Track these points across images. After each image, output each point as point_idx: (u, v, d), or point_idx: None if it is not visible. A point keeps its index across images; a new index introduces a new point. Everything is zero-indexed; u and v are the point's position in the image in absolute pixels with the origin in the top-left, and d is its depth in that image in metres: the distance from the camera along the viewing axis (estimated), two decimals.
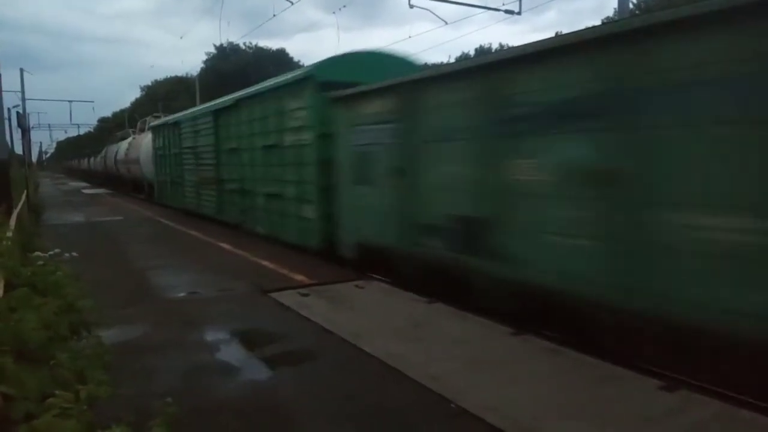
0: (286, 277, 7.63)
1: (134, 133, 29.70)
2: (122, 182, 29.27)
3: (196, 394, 3.87)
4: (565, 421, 3.39)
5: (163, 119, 19.89)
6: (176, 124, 16.84)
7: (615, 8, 7.77)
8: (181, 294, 6.90)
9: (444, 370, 4.17)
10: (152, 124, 21.08)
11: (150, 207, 20.03)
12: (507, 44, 48.27)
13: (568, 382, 3.91)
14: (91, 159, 47.90)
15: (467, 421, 3.44)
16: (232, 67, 43.72)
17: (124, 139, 30.62)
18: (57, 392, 1.70)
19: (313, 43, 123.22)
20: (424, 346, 4.76)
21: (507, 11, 15.49)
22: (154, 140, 19.80)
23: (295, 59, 47.70)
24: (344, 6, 33.30)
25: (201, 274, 8.06)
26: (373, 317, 5.66)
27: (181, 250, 10.35)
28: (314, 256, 8.76)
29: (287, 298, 6.47)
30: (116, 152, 29.50)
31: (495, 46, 51.50)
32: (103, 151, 36.68)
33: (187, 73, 53.12)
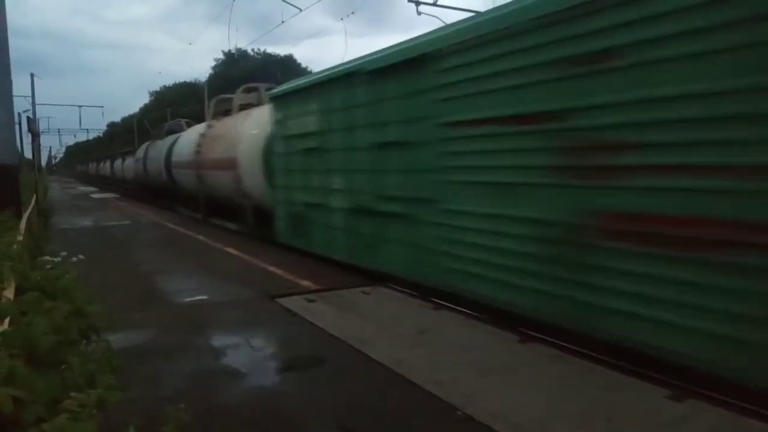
0: (293, 282, 7.64)
1: (187, 124, 20.34)
2: (177, 198, 18.91)
3: (202, 398, 3.88)
4: (572, 428, 3.37)
5: (349, 63, 7.86)
6: (417, 61, 6.19)
7: None
8: (188, 299, 6.92)
9: (450, 377, 4.17)
10: (278, 90, 10.15)
11: (158, 211, 20.03)
12: None
13: (575, 390, 3.90)
14: (116, 161, 34.93)
15: (473, 428, 3.43)
16: (240, 72, 43.97)
17: (173, 132, 20.40)
18: (73, 394, 1.73)
19: (321, 50, 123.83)
20: (431, 352, 4.76)
21: None
22: (277, 123, 9.95)
23: (303, 65, 48.10)
24: (352, 12, 33.51)
25: (208, 279, 8.09)
26: (379, 323, 5.66)
27: (189, 255, 10.39)
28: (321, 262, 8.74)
29: (294, 303, 6.48)
30: (169, 150, 18.16)
31: None
32: (142, 150, 24.55)
33: (195, 79, 53.57)
